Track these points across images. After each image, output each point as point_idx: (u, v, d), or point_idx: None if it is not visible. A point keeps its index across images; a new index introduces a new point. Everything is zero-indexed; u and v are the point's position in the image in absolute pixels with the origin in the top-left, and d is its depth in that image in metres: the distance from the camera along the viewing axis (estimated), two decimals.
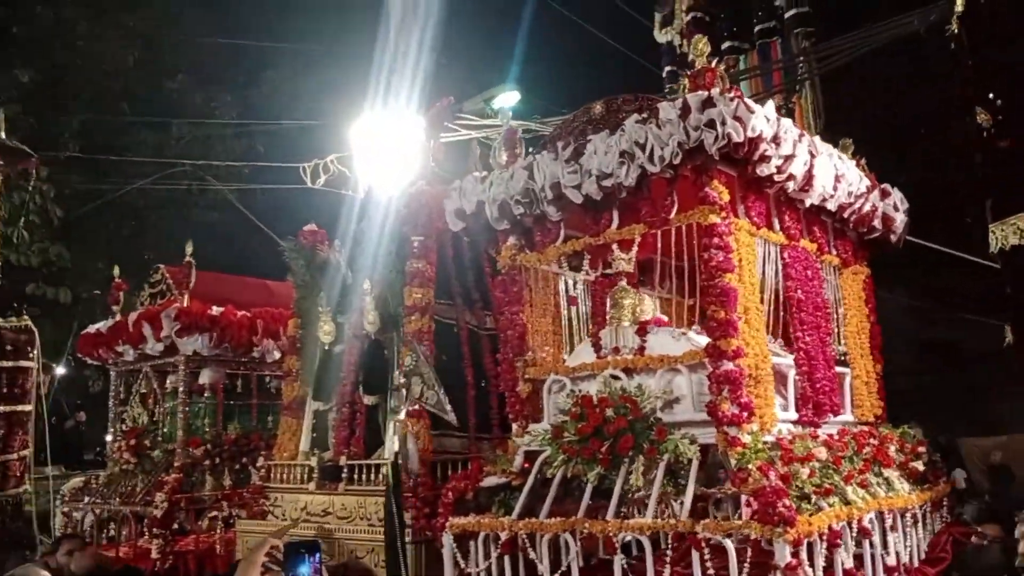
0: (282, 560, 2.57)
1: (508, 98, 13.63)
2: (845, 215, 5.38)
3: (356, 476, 5.76)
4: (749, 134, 4.22)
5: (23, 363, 8.33)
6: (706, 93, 4.27)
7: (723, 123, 4.18)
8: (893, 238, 5.87)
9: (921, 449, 5.30)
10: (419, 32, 11.63)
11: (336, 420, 6.25)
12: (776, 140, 4.42)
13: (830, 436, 4.79)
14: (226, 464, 7.72)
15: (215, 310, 7.92)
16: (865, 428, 5.25)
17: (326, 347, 6.49)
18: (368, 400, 6.06)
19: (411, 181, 6.22)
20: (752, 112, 4.24)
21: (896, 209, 5.73)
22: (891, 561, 4.56)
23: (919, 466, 5.15)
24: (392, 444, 5.58)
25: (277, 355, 8.42)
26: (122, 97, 16.02)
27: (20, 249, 13.67)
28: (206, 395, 8.43)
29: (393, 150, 6.94)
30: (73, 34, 15.14)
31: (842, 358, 5.41)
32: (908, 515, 4.83)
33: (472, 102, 12.89)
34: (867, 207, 5.44)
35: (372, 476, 5.68)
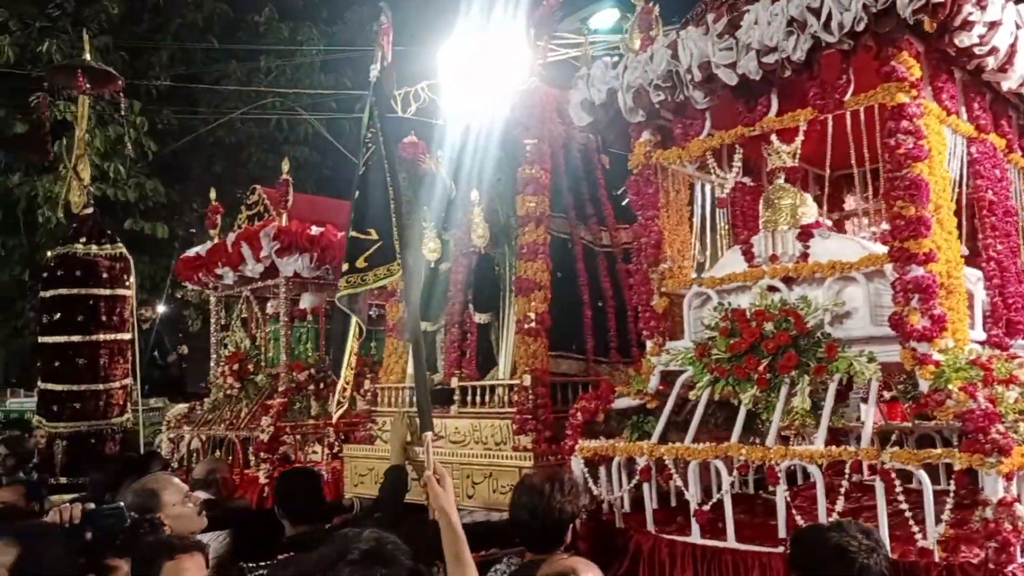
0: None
1: (607, 16, 12.79)
2: None
3: (469, 398, 5.38)
4: None
5: (120, 291, 8.23)
6: None
7: None
8: None
9: None
10: None
11: (445, 341, 5.85)
12: (981, 2, 3.66)
13: None
14: (330, 389, 7.42)
15: (314, 230, 7.55)
16: None
17: (431, 265, 6.07)
18: (479, 318, 5.62)
19: (522, 79, 5.63)
20: None
21: None
22: None
23: None
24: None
25: None
26: (208, 31, 15.93)
27: (117, 184, 13.79)
28: (308, 319, 8.16)
29: (495, 57, 6.32)
30: None
31: None
32: None
33: (568, 21, 12.15)
34: None
35: (487, 398, 5.29)
